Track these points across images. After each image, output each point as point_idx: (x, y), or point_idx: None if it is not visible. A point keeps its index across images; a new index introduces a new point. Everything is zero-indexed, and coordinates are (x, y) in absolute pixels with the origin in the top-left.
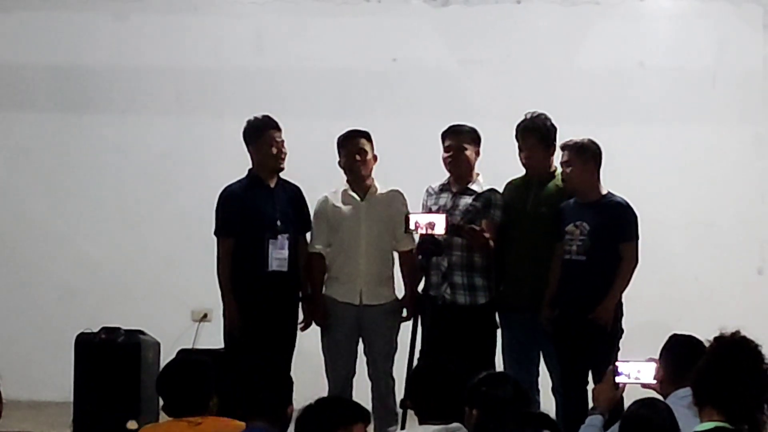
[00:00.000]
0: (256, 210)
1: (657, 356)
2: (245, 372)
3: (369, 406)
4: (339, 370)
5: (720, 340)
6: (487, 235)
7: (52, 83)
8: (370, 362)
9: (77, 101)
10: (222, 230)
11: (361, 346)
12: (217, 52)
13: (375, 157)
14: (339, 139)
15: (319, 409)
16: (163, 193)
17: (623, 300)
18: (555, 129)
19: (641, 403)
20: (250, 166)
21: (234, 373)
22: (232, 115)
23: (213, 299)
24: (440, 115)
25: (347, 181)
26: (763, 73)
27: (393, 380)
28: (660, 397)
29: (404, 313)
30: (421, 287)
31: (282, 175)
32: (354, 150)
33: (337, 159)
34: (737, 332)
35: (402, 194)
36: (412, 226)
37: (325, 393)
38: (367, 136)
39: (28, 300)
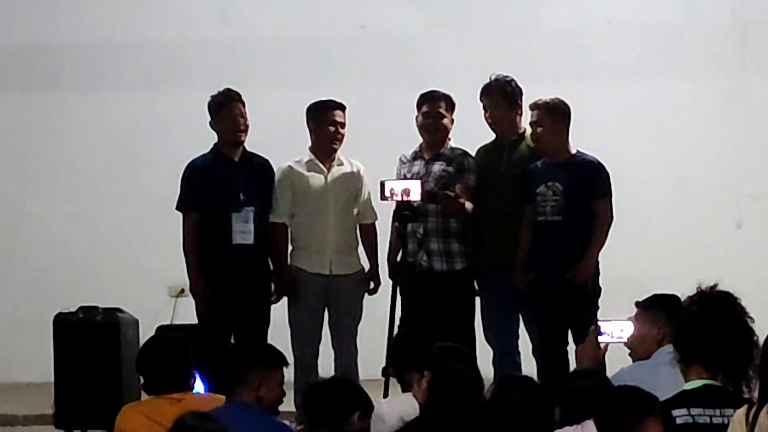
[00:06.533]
0: (219, 184)
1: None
2: (232, 348)
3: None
4: (308, 341)
5: (699, 295)
6: (462, 200)
7: (16, 62)
8: (334, 333)
9: (42, 80)
10: (185, 205)
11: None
12: (182, 25)
13: None
14: (313, 107)
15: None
16: (132, 168)
17: (600, 258)
18: (520, 90)
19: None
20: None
21: (216, 350)
22: (199, 88)
23: None
24: (408, 81)
25: (312, 150)
26: (732, 26)
27: (356, 351)
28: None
29: (371, 286)
30: (399, 255)
31: (250, 147)
32: (331, 121)
33: (307, 126)
34: (715, 286)
35: (361, 169)
36: (387, 193)
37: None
38: (343, 108)
39: (2, 282)
